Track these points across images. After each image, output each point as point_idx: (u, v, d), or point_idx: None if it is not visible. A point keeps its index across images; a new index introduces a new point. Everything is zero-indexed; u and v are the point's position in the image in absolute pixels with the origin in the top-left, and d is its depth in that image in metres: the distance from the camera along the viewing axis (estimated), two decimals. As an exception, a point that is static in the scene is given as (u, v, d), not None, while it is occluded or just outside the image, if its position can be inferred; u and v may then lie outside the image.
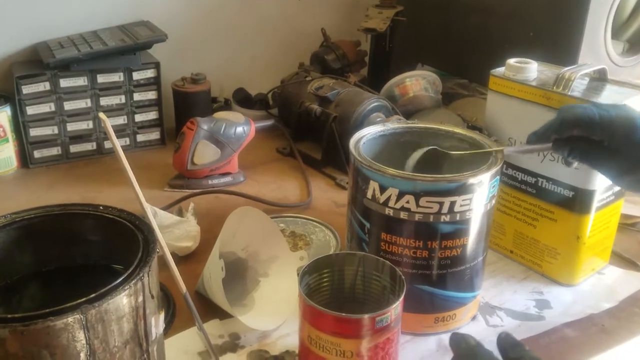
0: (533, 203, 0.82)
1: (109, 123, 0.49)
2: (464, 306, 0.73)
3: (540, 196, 0.81)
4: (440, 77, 1.30)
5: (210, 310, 0.74)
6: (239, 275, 0.79)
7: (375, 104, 1.13)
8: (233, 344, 0.71)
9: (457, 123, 1.19)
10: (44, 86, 1.10)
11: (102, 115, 0.49)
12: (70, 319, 0.42)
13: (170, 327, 0.73)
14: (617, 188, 0.81)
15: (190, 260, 0.86)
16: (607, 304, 0.79)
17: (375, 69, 1.41)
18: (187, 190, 1.05)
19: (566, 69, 0.77)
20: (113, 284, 0.45)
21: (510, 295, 0.81)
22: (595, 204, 0.78)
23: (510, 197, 0.85)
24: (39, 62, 1.10)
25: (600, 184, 0.77)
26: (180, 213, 0.92)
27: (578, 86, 0.78)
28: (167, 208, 0.96)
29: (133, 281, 0.46)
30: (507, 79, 0.81)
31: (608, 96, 0.76)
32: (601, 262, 0.86)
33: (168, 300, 0.76)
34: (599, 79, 0.80)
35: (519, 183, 0.83)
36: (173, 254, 0.84)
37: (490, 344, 0.57)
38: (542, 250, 0.83)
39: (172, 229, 0.84)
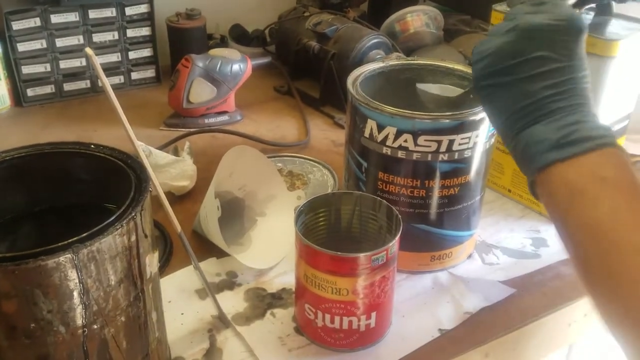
0: None
1: (96, 58, 0.48)
2: (460, 245, 0.73)
3: None
4: (442, 13, 1.27)
5: (207, 248, 0.75)
6: (236, 214, 0.79)
7: (375, 40, 1.10)
8: (230, 282, 0.71)
9: (458, 60, 1.16)
10: (34, 22, 1.07)
11: (88, 50, 0.47)
12: (61, 259, 0.41)
13: (168, 266, 0.73)
14: (618, 126, 0.79)
15: (187, 199, 0.86)
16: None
17: (375, 4, 1.37)
18: (183, 129, 1.03)
19: (570, 2, 0.75)
20: (104, 224, 0.44)
21: (507, 234, 0.81)
22: (596, 142, 0.77)
23: None
24: (29, -4, 1.07)
25: (602, 120, 0.76)
26: (176, 152, 0.91)
27: (583, 21, 0.75)
28: (162, 147, 0.95)
29: (125, 220, 0.45)
30: (510, 13, 0.79)
31: (613, 31, 0.74)
32: None
33: (165, 239, 0.76)
34: (604, 13, 0.78)
35: None
36: (170, 194, 0.84)
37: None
38: None
39: (168, 168, 0.84)
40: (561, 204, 0.50)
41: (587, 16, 0.77)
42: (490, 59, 0.54)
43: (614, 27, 0.76)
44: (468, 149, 0.66)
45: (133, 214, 0.46)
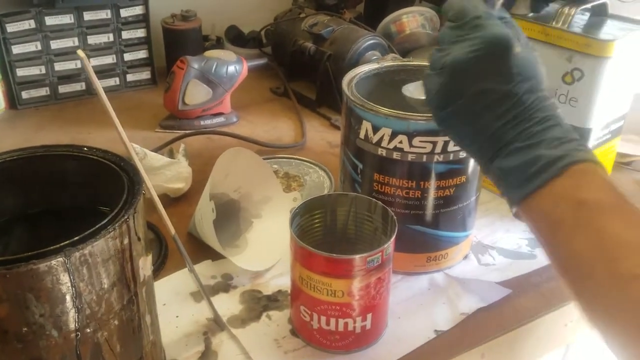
0: None
1: (88, 60, 0.47)
2: (456, 245, 0.73)
3: None
4: (438, 14, 1.27)
5: (202, 251, 0.74)
6: (231, 216, 0.79)
7: (371, 41, 1.10)
8: (225, 285, 0.71)
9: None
10: (29, 24, 1.07)
11: (80, 52, 0.47)
12: (53, 262, 0.41)
13: (163, 268, 0.73)
14: (614, 126, 0.79)
15: (183, 201, 0.85)
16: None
17: (371, 5, 1.37)
18: (178, 131, 1.03)
19: (566, 3, 0.75)
20: (97, 227, 0.44)
21: (502, 234, 0.81)
22: (591, 142, 0.76)
23: None
24: (23, -2, 1.07)
25: (597, 122, 0.76)
26: (171, 154, 0.91)
27: (578, 21, 0.75)
28: (158, 149, 0.94)
29: (117, 223, 0.45)
30: (505, 14, 0.79)
31: (608, 32, 0.74)
32: None
33: (160, 241, 0.76)
34: (600, 14, 0.78)
35: None
36: (165, 196, 0.84)
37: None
38: None
39: (163, 170, 0.83)
40: (544, 236, 0.49)
41: (583, 17, 0.77)
42: (437, 100, 0.53)
43: (609, 27, 0.76)
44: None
45: (126, 217, 0.46)
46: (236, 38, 1.33)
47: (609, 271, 0.43)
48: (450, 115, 0.53)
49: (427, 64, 0.76)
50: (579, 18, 0.76)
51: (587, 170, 0.48)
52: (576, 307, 0.47)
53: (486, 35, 0.51)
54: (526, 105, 0.50)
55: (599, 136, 0.77)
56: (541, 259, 0.76)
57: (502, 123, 0.50)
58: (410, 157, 0.66)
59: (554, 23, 0.74)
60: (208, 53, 1.06)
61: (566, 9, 0.74)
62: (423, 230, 0.70)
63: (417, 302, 0.69)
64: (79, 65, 1.13)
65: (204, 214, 0.71)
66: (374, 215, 0.65)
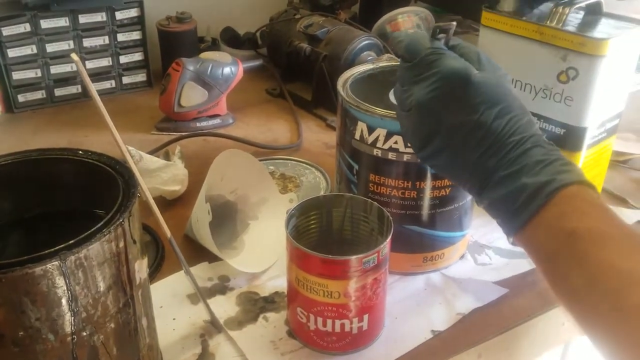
0: None
1: (81, 63, 0.47)
2: (452, 245, 0.73)
3: None
4: (433, 14, 1.27)
5: (199, 253, 0.74)
6: (228, 218, 0.79)
7: (366, 42, 1.10)
8: (222, 287, 0.71)
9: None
10: (24, 27, 1.07)
11: (73, 55, 0.47)
12: (49, 266, 0.41)
13: (159, 271, 0.73)
14: (609, 125, 0.79)
15: (179, 203, 0.85)
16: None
17: (366, 6, 1.37)
18: (174, 133, 1.03)
19: (560, 2, 0.75)
20: (92, 230, 0.44)
21: (499, 234, 0.80)
22: (587, 141, 0.77)
23: None
24: (17, 2, 1.06)
25: (593, 121, 0.76)
26: (167, 156, 0.91)
27: (572, 20, 0.75)
28: (154, 152, 0.94)
29: (113, 227, 0.45)
30: (499, 14, 0.79)
31: (603, 30, 0.74)
32: None
33: (156, 244, 0.76)
34: (594, 12, 0.78)
35: None
36: (161, 198, 0.84)
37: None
38: None
39: (159, 172, 0.83)
40: (542, 267, 0.48)
41: (578, 15, 0.78)
42: (414, 140, 0.54)
43: (604, 26, 0.76)
44: (459, 149, 0.66)
45: (121, 220, 0.46)
46: (231, 39, 1.34)
47: (613, 306, 0.42)
48: (431, 154, 0.53)
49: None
50: (574, 17, 0.76)
51: (574, 194, 0.46)
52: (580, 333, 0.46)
53: (442, 72, 0.50)
54: (498, 132, 0.49)
55: (594, 135, 0.77)
56: (537, 258, 0.76)
57: (479, 154, 0.50)
58: (405, 158, 0.66)
59: (548, 22, 0.74)
60: (203, 55, 1.06)
61: (560, 8, 0.74)
62: (419, 231, 0.70)
63: (414, 303, 0.69)
64: (75, 68, 1.13)
65: (200, 216, 0.71)
66: (370, 216, 0.65)
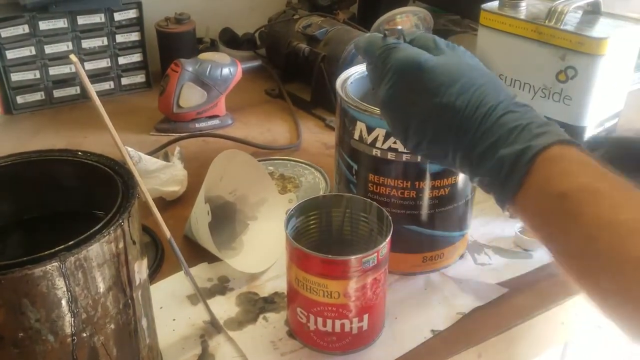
0: None
1: (80, 65, 0.48)
2: (452, 245, 0.73)
3: None
4: (431, 14, 1.27)
5: (198, 254, 0.74)
6: (227, 218, 0.79)
7: (365, 42, 1.10)
8: (222, 287, 0.71)
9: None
10: (22, 29, 1.07)
11: (72, 57, 0.47)
12: (48, 267, 0.41)
13: (159, 271, 0.73)
14: (608, 124, 0.80)
15: (178, 204, 0.85)
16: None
17: (365, 6, 1.37)
18: (173, 134, 1.03)
19: (558, 1, 0.75)
20: (91, 231, 0.44)
21: (498, 233, 0.81)
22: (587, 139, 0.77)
23: None
24: (16, 4, 1.06)
25: (591, 120, 0.76)
26: (166, 157, 0.91)
27: (571, 19, 0.76)
28: (153, 152, 0.94)
29: (112, 228, 0.45)
30: (498, 13, 0.79)
31: (602, 29, 0.74)
32: None
33: (156, 244, 0.76)
34: (593, 11, 0.78)
35: None
36: (160, 199, 0.84)
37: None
38: None
39: (158, 173, 0.83)
40: (541, 235, 0.47)
41: (576, 15, 0.78)
42: (396, 136, 0.54)
43: (603, 25, 0.76)
44: (458, 149, 0.66)
45: (120, 221, 0.46)
46: (230, 40, 1.33)
47: (613, 259, 0.41)
48: (415, 147, 0.52)
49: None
50: (572, 16, 0.76)
51: (557, 156, 0.45)
52: (582, 296, 0.45)
53: (394, 65, 0.51)
54: (464, 109, 0.48)
55: (593, 134, 0.77)
56: (537, 257, 0.76)
57: (454, 135, 0.49)
58: (404, 158, 0.66)
59: (547, 21, 0.74)
60: (202, 56, 1.06)
61: (559, 7, 0.74)
62: (419, 230, 0.70)
63: (414, 302, 0.69)
64: (74, 70, 1.13)
65: (200, 216, 0.71)
66: (369, 216, 0.66)
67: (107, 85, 1.17)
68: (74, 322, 0.44)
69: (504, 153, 0.46)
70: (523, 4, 0.78)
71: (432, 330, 0.65)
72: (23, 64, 1.09)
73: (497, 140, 0.47)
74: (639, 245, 0.40)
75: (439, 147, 0.51)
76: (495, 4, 0.80)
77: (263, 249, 0.75)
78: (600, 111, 0.78)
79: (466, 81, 0.49)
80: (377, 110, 0.65)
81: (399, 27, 0.54)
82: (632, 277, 0.40)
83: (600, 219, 0.42)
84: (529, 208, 0.46)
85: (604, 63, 0.73)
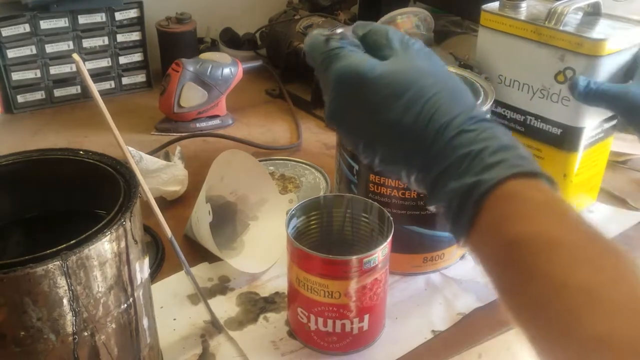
0: (521, 141, 0.79)
1: (83, 64, 0.48)
2: (452, 246, 0.73)
3: (529, 134, 0.80)
4: (432, 14, 1.27)
5: (199, 253, 0.74)
6: (228, 218, 0.79)
7: (366, 42, 1.10)
8: (222, 287, 0.71)
9: (449, 61, 1.16)
10: (23, 28, 1.07)
11: (75, 56, 0.47)
12: (50, 266, 0.41)
13: (160, 271, 0.73)
14: (607, 125, 0.80)
15: (179, 204, 0.85)
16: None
17: (365, 6, 1.37)
18: (174, 134, 1.03)
19: (558, 2, 0.75)
20: (93, 230, 0.44)
21: (499, 235, 0.81)
22: (584, 141, 0.77)
23: None
24: (17, 2, 1.06)
25: (590, 121, 0.76)
26: (167, 157, 0.91)
27: (571, 21, 0.76)
28: (154, 152, 0.95)
29: (114, 227, 0.45)
30: (498, 14, 0.79)
31: (601, 30, 0.74)
32: (589, 199, 0.86)
33: (157, 244, 0.76)
34: (593, 13, 0.78)
35: (507, 121, 0.82)
36: (161, 199, 0.84)
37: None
38: None
39: (159, 173, 0.83)
40: (490, 279, 0.40)
41: (576, 16, 0.78)
42: (354, 150, 0.48)
43: (602, 26, 0.76)
44: (459, 150, 0.66)
45: (122, 220, 0.46)
46: (231, 40, 1.33)
47: (566, 332, 0.34)
48: (377, 164, 0.46)
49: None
50: (572, 17, 0.76)
51: (508, 194, 0.38)
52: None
53: (334, 77, 0.44)
54: (413, 125, 0.41)
55: (592, 135, 0.77)
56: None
57: (405, 155, 0.43)
58: (405, 158, 0.66)
59: (546, 22, 0.75)
60: (203, 55, 1.06)
61: (559, 8, 0.74)
62: (419, 231, 0.70)
63: (414, 303, 0.69)
64: (74, 69, 1.13)
65: (201, 216, 0.71)
66: (370, 216, 0.66)
67: (108, 84, 1.17)
68: (75, 321, 0.44)
69: (453, 187, 0.40)
70: (523, 5, 0.78)
71: (433, 331, 0.65)
72: (24, 63, 1.09)
73: (447, 168, 0.41)
74: (595, 320, 0.33)
75: (392, 167, 0.45)
76: (495, 4, 0.81)
77: (264, 249, 0.75)
78: (599, 112, 0.78)
79: (415, 92, 0.42)
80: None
81: (340, 30, 0.47)
82: (585, 357, 0.33)
83: (552, 280, 0.35)
84: (480, 251, 0.40)
85: (602, 64, 0.73)
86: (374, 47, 0.47)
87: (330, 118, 0.46)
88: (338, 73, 0.44)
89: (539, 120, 0.79)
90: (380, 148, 0.44)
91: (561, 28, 0.74)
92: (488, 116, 0.44)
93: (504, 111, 0.82)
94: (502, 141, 0.41)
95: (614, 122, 0.81)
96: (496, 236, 0.38)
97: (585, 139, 0.77)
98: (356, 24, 0.49)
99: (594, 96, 0.68)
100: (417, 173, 0.43)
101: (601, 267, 0.34)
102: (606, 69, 0.74)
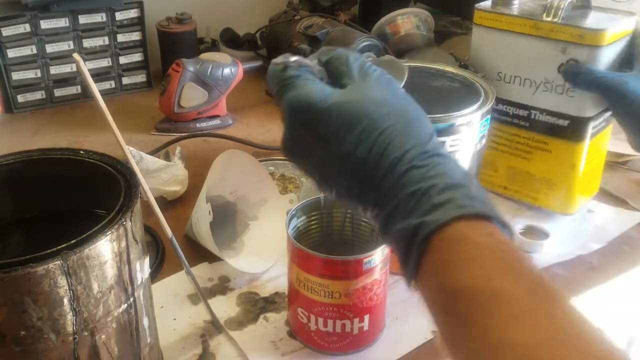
0: (526, 136, 0.82)
1: (83, 63, 0.47)
2: (453, 246, 0.73)
3: (534, 128, 0.80)
4: (432, 15, 1.27)
5: (199, 253, 0.74)
6: (228, 218, 0.79)
7: (366, 43, 1.10)
8: (222, 287, 0.71)
9: (449, 62, 1.16)
10: (24, 28, 1.07)
11: (75, 55, 0.47)
12: (51, 265, 0.41)
13: (160, 271, 0.73)
14: (606, 114, 0.79)
15: (179, 204, 0.85)
16: (596, 245, 0.79)
17: (366, 7, 1.37)
18: (174, 134, 1.03)
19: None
20: (94, 230, 0.44)
21: (499, 235, 0.81)
22: (590, 131, 0.77)
23: (502, 132, 0.84)
24: (17, 2, 1.06)
25: (595, 110, 0.76)
26: (167, 157, 0.91)
27: (565, 14, 0.75)
28: (154, 152, 0.95)
29: (115, 226, 0.45)
30: (493, 12, 0.79)
31: (598, 22, 0.74)
32: (594, 189, 0.86)
33: (157, 244, 0.76)
34: (583, 6, 0.78)
35: (510, 118, 0.82)
36: (161, 199, 0.84)
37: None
38: (537, 182, 0.83)
39: (159, 173, 0.83)
40: (436, 326, 0.39)
41: (567, 9, 0.77)
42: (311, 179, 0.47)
43: (596, 18, 0.76)
44: (459, 150, 0.66)
45: (123, 220, 0.46)
46: (231, 40, 1.34)
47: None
48: (333, 196, 0.44)
49: (422, 65, 0.77)
50: (565, 11, 0.76)
51: (453, 238, 0.36)
52: None
53: (287, 107, 0.43)
54: (365, 159, 0.40)
55: (595, 125, 0.78)
56: (538, 259, 0.77)
57: (357, 190, 0.41)
58: (406, 158, 0.66)
59: (544, 16, 0.75)
60: (203, 55, 1.06)
61: (555, 2, 0.74)
62: (419, 231, 0.70)
63: (415, 303, 0.69)
64: (75, 69, 1.13)
65: (201, 216, 0.71)
66: (370, 217, 0.65)
67: (108, 84, 1.17)
68: (75, 320, 0.44)
69: (400, 227, 0.38)
70: (515, 2, 0.79)
71: (433, 331, 0.65)
72: (24, 62, 1.09)
73: (396, 207, 0.39)
74: None
75: (348, 202, 0.43)
76: (487, 3, 0.81)
77: (263, 249, 0.75)
78: (599, 104, 0.77)
79: (369, 123, 0.40)
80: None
81: (294, 58, 0.46)
82: None
83: (490, 335, 0.33)
84: (426, 295, 0.39)
85: (603, 54, 0.73)
86: (335, 74, 0.46)
87: (285, 149, 0.45)
88: (290, 103, 0.43)
89: (545, 113, 0.79)
90: (333, 180, 0.43)
91: (560, 21, 0.74)
92: (443, 149, 0.41)
93: (506, 108, 0.82)
94: (452, 179, 0.39)
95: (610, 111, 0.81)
96: (439, 282, 0.37)
97: (591, 128, 0.77)
98: (321, 50, 0.48)
99: (589, 83, 0.71)
100: (372, 208, 0.41)
101: (540, 325, 0.33)
102: (606, 59, 0.74)
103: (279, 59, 0.46)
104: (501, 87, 0.80)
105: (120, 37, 1.15)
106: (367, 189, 0.41)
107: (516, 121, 0.82)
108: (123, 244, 0.46)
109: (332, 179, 0.43)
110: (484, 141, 0.70)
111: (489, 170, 0.86)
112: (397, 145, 0.40)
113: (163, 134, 1.05)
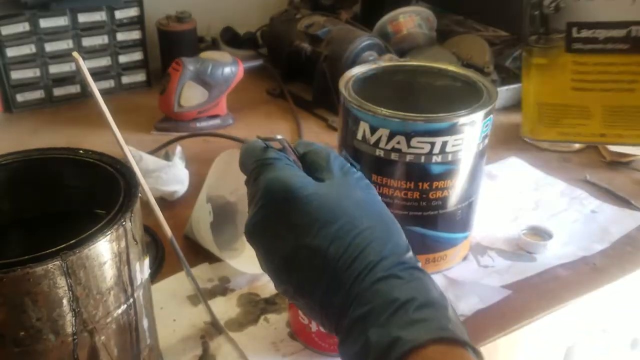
0: (626, 62, 0.66)
1: (83, 62, 0.47)
2: (455, 247, 0.73)
3: (636, 49, 0.65)
4: (434, 14, 1.27)
5: (199, 254, 0.74)
6: (228, 219, 0.79)
7: (368, 42, 1.10)
8: (223, 288, 0.70)
9: (451, 61, 1.16)
10: (23, 27, 1.06)
11: (75, 54, 0.46)
12: (50, 266, 0.41)
13: (160, 272, 0.72)
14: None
15: (180, 204, 0.85)
16: (599, 245, 0.79)
17: (367, 5, 1.37)
18: (174, 134, 1.03)
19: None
20: (93, 230, 0.44)
21: (501, 235, 0.80)
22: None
23: (591, 66, 0.68)
24: (17, 1, 1.05)
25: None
26: (167, 157, 0.91)
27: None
28: (154, 152, 0.94)
29: (114, 227, 0.44)
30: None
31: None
32: None
33: (157, 245, 0.76)
34: None
35: (601, 44, 0.67)
36: (161, 199, 0.83)
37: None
38: None
39: (159, 173, 0.83)
40: None
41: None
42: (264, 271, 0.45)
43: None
44: (462, 150, 0.66)
45: (122, 220, 0.45)
46: (231, 39, 1.33)
47: None
48: (284, 291, 0.42)
49: (425, 64, 0.77)
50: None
51: (428, 359, 0.35)
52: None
53: (262, 186, 0.42)
54: (337, 259, 0.38)
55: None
56: (541, 260, 0.76)
57: (323, 289, 0.39)
58: (408, 158, 0.65)
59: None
60: (203, 54, 1.06)
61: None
62: (422, 232, 0.70)
63: (416, 304, 0.69)
64: (74, 68, 1.12)
65: (201, 216, 0.71)
66: (372, 217, 0.65)
67: (108, 83, 1.17)
68: (75, 321, 0.44)
69: (373, 338, 0.36)
70: None
71: (435, 332, 0.65)
72: (23, 61, 1.08)
73: (368, 315, 0.37)
74: None
75: (306, 300, 0.41)
76: None
77: (264, 249, 0.75)
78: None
79: (346, 222, 0.39)
80: (380, 110, 0.65)
81: (280, 137, 0.46)
82: None
83: None
84: None
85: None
86: (312, 167, 0.45)
87: (251, 230, 0.43)
88: (268, 183, 0.42)
89: None
90: (296, 274, 0.40)
91: None
92: (419, 264, 0.40)
93: (593, 33, 0.66)
94: (431, 295, 0.38)
95: None
96: None
97: None
98: (298, 142, 0.48)
99: None
100: (332, 313, 0.39)
101: None
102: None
103: (259, 136, 0.46)
104: (580, 8, 0.66)
105: (120, 36, 1.14)
106: (334, 289, 0.38)
107: (610, 46, 0.66)
108: (122, 244, 0.46)
109: (295, 272, 0.40)
110: (486, 141, 0.69)
111: (578, 120, 0.71)
112: (374, 249, 0.38)
113: (163, 133, 1.04)
